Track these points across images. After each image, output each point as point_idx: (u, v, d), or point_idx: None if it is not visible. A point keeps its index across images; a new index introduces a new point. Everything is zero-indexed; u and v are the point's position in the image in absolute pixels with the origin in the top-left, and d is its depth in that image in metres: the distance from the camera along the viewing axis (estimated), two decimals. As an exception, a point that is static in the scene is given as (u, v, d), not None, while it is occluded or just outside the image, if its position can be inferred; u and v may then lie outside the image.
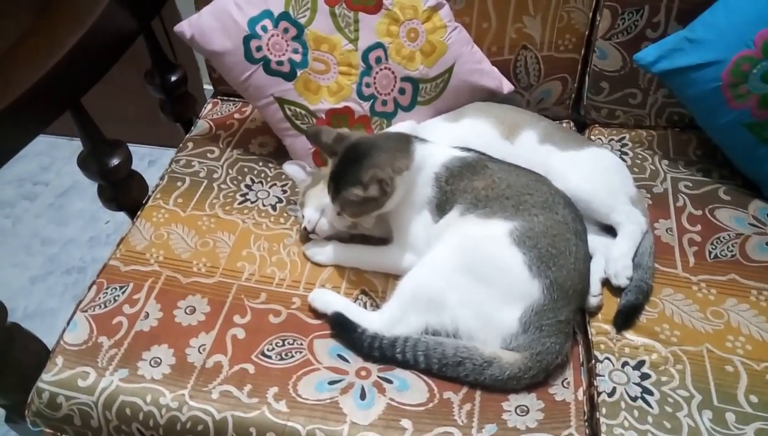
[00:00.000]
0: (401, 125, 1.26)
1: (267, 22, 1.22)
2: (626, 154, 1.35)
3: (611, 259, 1.09)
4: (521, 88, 1.41)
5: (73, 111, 1.16)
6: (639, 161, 1.33)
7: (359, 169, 1.03)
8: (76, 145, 1.28)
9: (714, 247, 1.15)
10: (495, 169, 1.08)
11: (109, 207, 1.34)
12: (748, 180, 1.25)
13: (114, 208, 1.35)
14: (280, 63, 1.23)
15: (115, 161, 1.26)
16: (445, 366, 0.99)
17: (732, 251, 1.14)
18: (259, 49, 1.23)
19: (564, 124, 1.44)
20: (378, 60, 1.25)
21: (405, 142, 1.09)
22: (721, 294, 1.08)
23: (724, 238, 1.16)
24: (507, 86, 1.35)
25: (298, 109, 1.26)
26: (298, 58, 1.24)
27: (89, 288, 1.17)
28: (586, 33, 1.34)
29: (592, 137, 1.41)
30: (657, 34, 1.29)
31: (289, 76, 1.24)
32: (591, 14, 1.32)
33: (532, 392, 0.99)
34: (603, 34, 1.32)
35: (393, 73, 1.26)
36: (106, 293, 1.15)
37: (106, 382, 1.02)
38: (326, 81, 1.25)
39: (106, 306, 1.13)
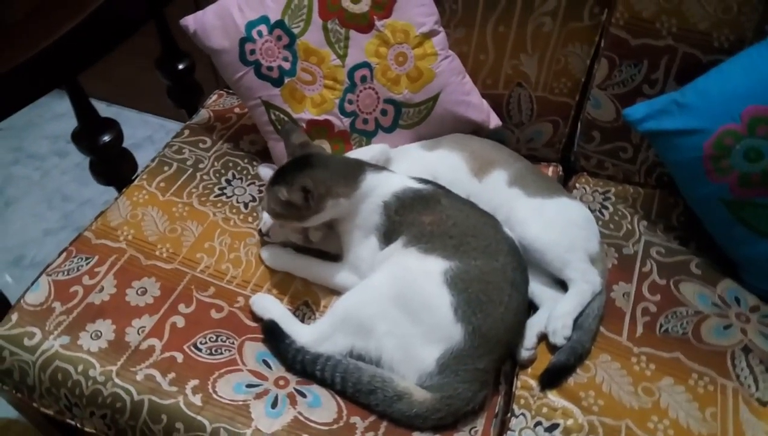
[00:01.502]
0: (374, 147, 1.27)
1: (263, 28, 1.26)
2: (606, 208, 1.32)
3: (553, 316, 1.07)
4: (512, 124, 1.40)
5: (69, 87, 1.24)
6: (617, 218, 1.29)
7: (296, 174, 1.06)
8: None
9: (667, 320, 1.11)
10: (447, 205, 1.08)
11: (99, 181, 1.42)
12: (726, 256, 1.20)
13: (103, 183, 1.42)
14: (270, 68, 1.27)
15: (106, 138, 1.33)
16: (358, 392, 1.00)
17: (685, 328, 1.10)
18: (252, 52, 1.27)
19: (552, 168, 1.41)
20: (363, 79, 1.27)
21: (356, 170, 1.11)
22: (659, 371, 1.04)
23: (681, 313, 1.12)
24: (494, 121, 1.35)
25: (282, 115, 1.30)
26: (287, 66, 1.27)
27: (59, 254, 1.25)
28: (583, 79, 1.32)
29: (577, 185, 1.38)
30: (653, 92, 1.25)
31: (277, 83, 1.28)
32: (589, 61, 1.30)
33: (437, 434, 0.99)
34: (599, 83, 1.29)
35: (377, 93, 1.27)
36: (73, 261, 1.22)
37: (47, 345, 1.09)
38: (311, 92, 1.28)
39: (68, 274, 1.20)
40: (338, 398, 1.02)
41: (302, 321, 1.12)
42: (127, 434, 1.04)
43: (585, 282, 1.11)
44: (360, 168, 1.11)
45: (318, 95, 1.28)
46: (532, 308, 1.13)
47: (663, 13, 1.17)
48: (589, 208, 1.29)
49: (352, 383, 1.00)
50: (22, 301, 1.16)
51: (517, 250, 1.07)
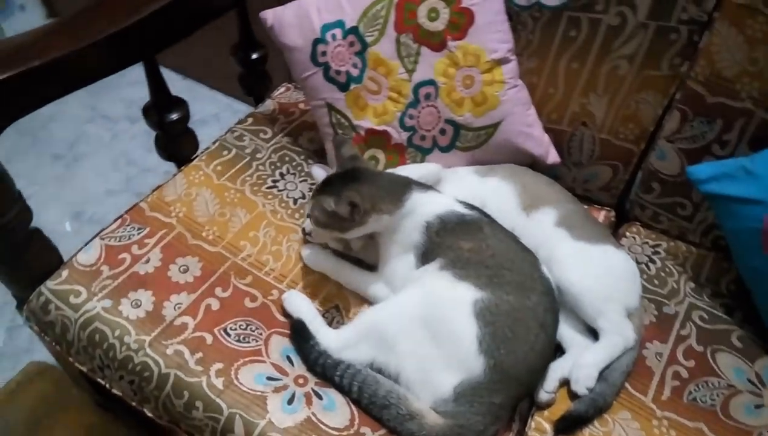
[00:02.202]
0: (426, 166, 1.28)
1: (337, 32, 1.28)
2: (654, 262, 1.29)
3: (578, 364, 1.06)
4: (571, 163, 1.38)
5: (146, 64, 1.30)
6: (664, 275, 1.26)
7: (344, 186, 1.08)
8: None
9: (697, 389, 1.08)
10: (488, 234, 1.08)
11: (161, 156, 1.48)
12: (770, 332, 1.16)
13: (164, 157, 1.48)
14: (338, 72, 1.29)
15: (174, 116, 1.39)
16: (373, 404, 1.01)
17: (714, 400, 1.06)
18: (324, 54, 1.29)
19: (604, 212, 1.38)
20: (427, 96, 1.27)
21: (403, 188, 1.12)
22: (679, 439, 1.02)
23: (713, 384, 1.09)
24: (553, 157, 1.33)
25: (342, 120, 1.32)
26: (355, 72, 1.29)
27: (115, 220, 1.31)
28: (651, 129, 1.29)
29: (627, 234, 1.35)
30: (723, 153, 1.21)
31: (343, 87, 1.30)
32: (661, 111, 1.26)
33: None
34: (668, 135, 1.26)
35: (438, 112, 1.28)
36: (126, 229, 1.28)
37: (90, 306, 1.15)
38: (374, 101, 1.30)
39: (120, 240, 1.26)
40: (352, 406, 1.04)
41: (330, 324, 1.15)
42: (150, 402, 1.09)
43: (618, 335, 1.09)
44: (406, 186, 1.12)
45: (381, 106, 1.30)
46: (558, 350, 1.12)
47: (745, 75, 1.13)
48: (636, 261, 1.27)
49: (368, 395, 1.02)
50: (74, 259, 1.23)
51: (551, 291, 1.06)
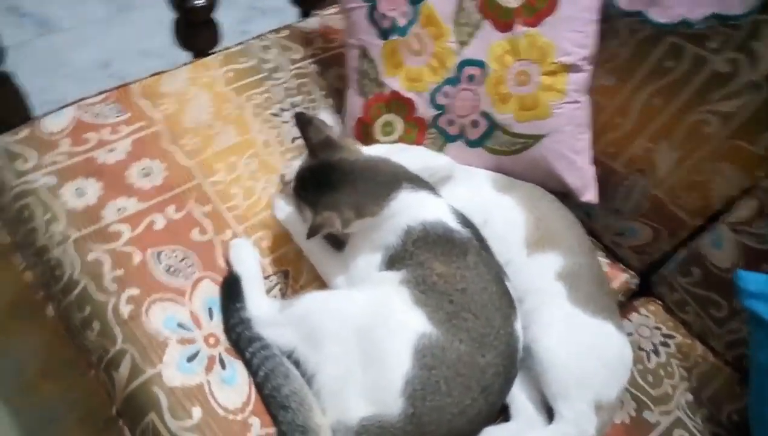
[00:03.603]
0: (440, 158, 1.09)
1: (399, -30, 1.08)
2: (658, 354, 1.09)
3: None
4: (608, 208, 1.16)
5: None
6: (663, 374, 1.06)
7: (321, 196, 0.93)
8: None
9: None
10: (470, 264, 0.91)
11: (177, 41, 1.33)
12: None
13: (180, 45, 1.34)
14: (384, 16, 1.10)
15: (198, 2, 1.23)
16: (272, 398, 0.89)
17: None
18: (377, -11, 1.10)
19: (625, 276, 1.18)
20: (471, 78, 1.07)
21: (389, 187, 0.94)
22: None
23: None
24: (590, 196, 1.12)
25: (370, 70, 1.14)
26: (402, 22, 1.09)
27: (99, 93, 1.19)
28: (717, 208, 1.06)
29: (642, 311, 1.15)
30: (791, 269, 0.98)
31: (384, 35, 1.11)
32: (737, 193, 1.03)
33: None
34: (734, 222, 1.03)
35: (477, 100, 1.08)
36: (106, 106, 1.16)
37: (33, 178, 1.05)
38: (412, 63, 1.10)
39: (95, 117, 1.14)
40: (253, 390, 0.92)
41: (270, 290, 1.01)
42: (53, 302, 1.00)
43: (574, 427, 0.92)
44: (395, 184, 0.95)
45: (416, 70, 1.10)
46: (503, 412, 0.96)
47: None
48: (638, 346, 1.08)
49: (271, 386, 0.89)
50: (40, 122, 1.12)
51: (514, 353, 0.89)
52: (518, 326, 0.91)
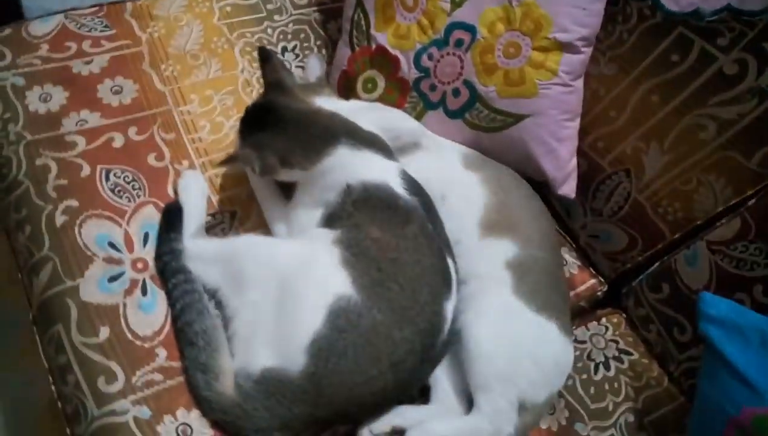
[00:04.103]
0: (408, 122, 1.03)
1: None
2: (608, 368, 1.02)
3: (422, 427, 0.85)
4: (589, 207, 1.08)
5: None
6: (608, 389, 0.99)
7: (252, 130, 0.91)
8: None
9: None
10: (409, 234, 0.86)
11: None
12: None
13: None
14: (382, -36, 1.04)
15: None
16: (182, 333, 0.86)
17: None
18: (380, -64, 1.04)
19: (593, 281, 1.10)
20: (458, 43, 1.01)
21: (324, 140, 0.90)
22: None
23: None
24: (567, 190, 1.05)
25: (362, 22, 1.08)
26: (399, -25, 1.03)
27: (91, 6, 1.17)
28: (699, 222, 0.97)
29: (603, 321, 1.07)
30: (764, 301, 0.89)
31: (381, -14, 1.05)
32: (721, 208, 0.94)
33: (215, 428, 0.83)
34: (713, 241, 0.94)
35: (461, 68, 1.01)
36: (95, 19, 1.15)
37: (3, 76, 1.05)
38: (402, 19, 1.05)
39: (80, 28, 1.13)
40: (168, 321, 0.89)
41: (213, 228, 0.98)
42: (-5, 199, 1.00)
43: (490, 423, 0.86)
44: (331, 138, 0.90)
45: (406, 27, 1.04)
46: (425, 393, 0.91)
47: None
48: (587, 356, 1.02)
49: (184, 321, 0.87)
50: (27, 24, 1.12)
51: (435, 335, 0.84)
52: (449, 306, 0.86)
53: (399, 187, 0.89)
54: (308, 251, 0.86)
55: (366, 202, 0.87)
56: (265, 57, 0.97)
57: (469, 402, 0.90)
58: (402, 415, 0.86)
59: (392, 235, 0.85)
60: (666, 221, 1.00)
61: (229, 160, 0.91)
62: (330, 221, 0.89)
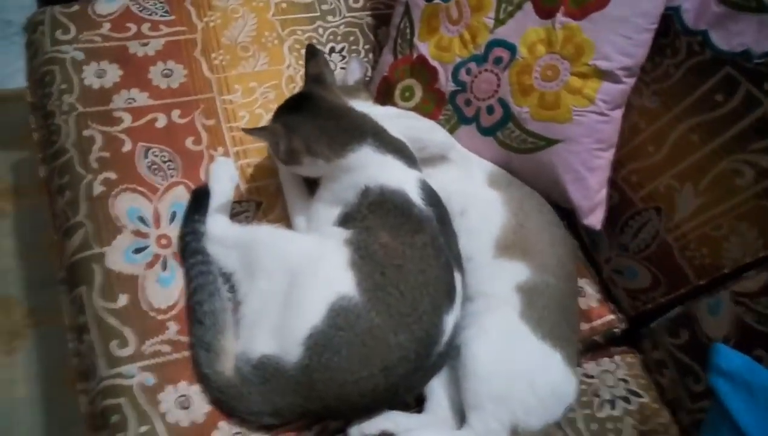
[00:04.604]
0: (439, 134, 1.04)
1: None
2: (614, 407, 0.98)
3: (410, 433, 0.85)
4: (616, 240, 1.06)
5: None
6: (610, 426, 0.95)
7: (283, 113, 0.94)
8: None
9: None
10: (418, 243, 0.86)
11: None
12: None
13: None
14: (432, -22, 1.05)
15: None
16: (193, 311, 0.90)
17: None
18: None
19: (612, 317, 1.06)
20: (497, 61, 1.00)
21: (352, 136, 0.91)
22: None
23: None
24: (593, 220, 1.02)
25: (407, 30, 1.10)
26: (448, -13, 1.04)
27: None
28: (725, 271, 0.93)
29: (615, 359, 1.04)
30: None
31: (430, -4, 1.06)
32: (749, 260, 0.90)
33: (212, 405, 0.86)
34: (738, 292, 0.90)
35: (497, 86, 1.01)
36: (157, 4, 1.21)
37: (65, 49, 1.12)
38: (446, 31, 1.05)
39: (142, 11, 1.19)
40: (182, 299, 0.93)
41: (237, 216, 1.01)
42: (45, 164, 1.06)
43: (479, 441, 0.86)
44: (358, 136, 0.91)
45: (448, 39, 1.05)
46: (421, 402, 0.91)
47: None
48: (595, 393, 0.99)
49: (195, 300, 0.90)
50: (93, 3, 1.18)
51: (431, 346, 0.84)
52: (449, 319, 0.86)
53: (416, 196, 0.89)
54: (320, 248, 0.88)
55: (380, 207, 0.88)
56: (312, 53, 1.01)
57: (462, 417, 0.89)
58: (393, 420, 0.87)
59: (401, 242, 0.86)
60: (692, 265, 0.96)
61: (257, 130, 0.94)
62: (345, 220, 0.91)
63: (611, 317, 1.07)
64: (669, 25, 0.96)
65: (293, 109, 0.95)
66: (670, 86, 0.97)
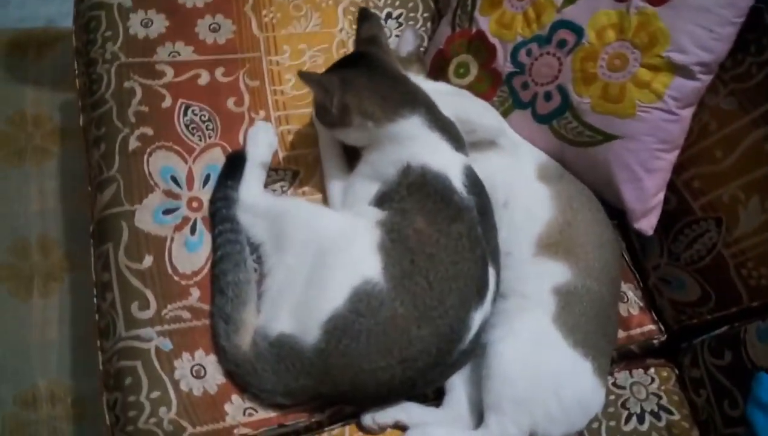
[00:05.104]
0: (494, 117, 0.98)
1: None
2: (642, 422, 0.93)
3: (423, 430, 0.83)
4: (667, 247, 0.99)
5: None
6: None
7: (343, 71, 0.89)
8: None
9: None
10: (454, 233, 0.82)
11: None
12: None
13: None
14: (504, -59, 0.97)
15: None
16: (216, 279, 0.89)
17: None
18: None
19: (653, 327, 1.00)
20: (561, 44, 0.93)
21: (405, 101, 0.87)
22: None
23: None
24: (646, 225, 0.95)
25: (469, 2, 1.03)
26: (516, -43, 0.96)
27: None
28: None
29: (649, 372, 0.98)
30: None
31: (495, -31, 0.99)
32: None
33: (227, 377, 0.85)
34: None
35: (559, 71, 0.94)
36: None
37: (115, -1, 1.09)
38: (510, 6, 0.98)
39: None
40: (208, 264, 0.92)
41: (273, 183, 0.99)
42: (83, 112, 1.05)
43: (496, 441, 0.83)
44: (412, 103, 0.87)
45: (511, 15, 0.98)
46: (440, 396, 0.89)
47: None
48: (622, 404, 0.94)
49: (219, 269, 0.89)
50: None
51: (454, 342, 0.81)
52: (477, 316, 0.82)
53: (458, 182, 0.85)
54: (350, 228, 0.85)
55: (420, 189, 0.84)
56: (366, 16, 0.97)
57: (479, 417, 0.87)
58: (408, 412, 0.85)
59: (436, 229, 0.82)
60: (747, 285, 0.89)
61: (314, 78, 0.89)
62: (382, 200, 0.87)
63: (651, 326, 1.01)
64: (758, 19, 0.87)
65: (348, 66, 0.91)
66: (750, 87, 0.89)
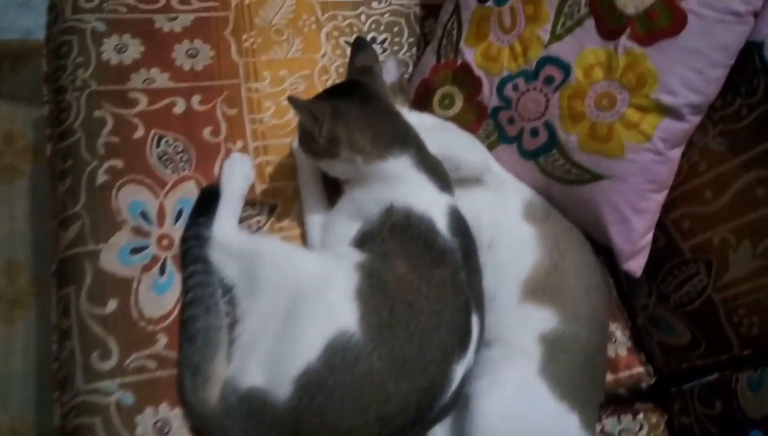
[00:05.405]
0: (478, 151, 0.95)
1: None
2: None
3: None
4: (656, 287, 0.96)
5: None
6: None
7: (327, 96, 0.86)
8: None
9: None
10: (437, 280, 0.78)
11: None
12: None
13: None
14: (487, -22, 0.94)
15: None
16: (185, 326, 0.84)
17: None
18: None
19: (642, 370, 0.97)
20: (548, 80, 0.90)
21: (397, 139, 0.84)
22: None
23: None
24: (633, 267, 0.93)
25: (454, 31, 1.00)
26: (503, -9, 0.93)
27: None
28: (778, 346, 0.83)
29: (639, 417, 0.96)
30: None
31: (483, -1, 0.96)
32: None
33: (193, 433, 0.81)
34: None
35: (545, 107, 0.91)
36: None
37: (87, 18, 1.04)
38: (496, 39, 0.95)
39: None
40: (177, 308, 0.87)
41: (248, 218, 0.95)
42: (50, 141, 1.00)
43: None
44: (403, 141, 0.84)
45: (497, 48, 0.95)
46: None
47: None
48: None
49: (189, 314, 0.84)
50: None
51: (434, 398, 0.76)
52: (459, 369, 0.78)
53: (442, 225, 0.81)
54: (326, 272, 0.81)
55: (403, 231, 0.81)
56: (362, 45, 0.93)
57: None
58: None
59: (418, 275, 0.78)
60: (738, 333, 0.87)
61: (303, 104, 0.83)
62: (363, 240, 0.83)
63: (640, 369, 0.98)
64: (747, 60, 0.84)
65: (340, 95, 0.87)
66: (740, 129, 0.86)
